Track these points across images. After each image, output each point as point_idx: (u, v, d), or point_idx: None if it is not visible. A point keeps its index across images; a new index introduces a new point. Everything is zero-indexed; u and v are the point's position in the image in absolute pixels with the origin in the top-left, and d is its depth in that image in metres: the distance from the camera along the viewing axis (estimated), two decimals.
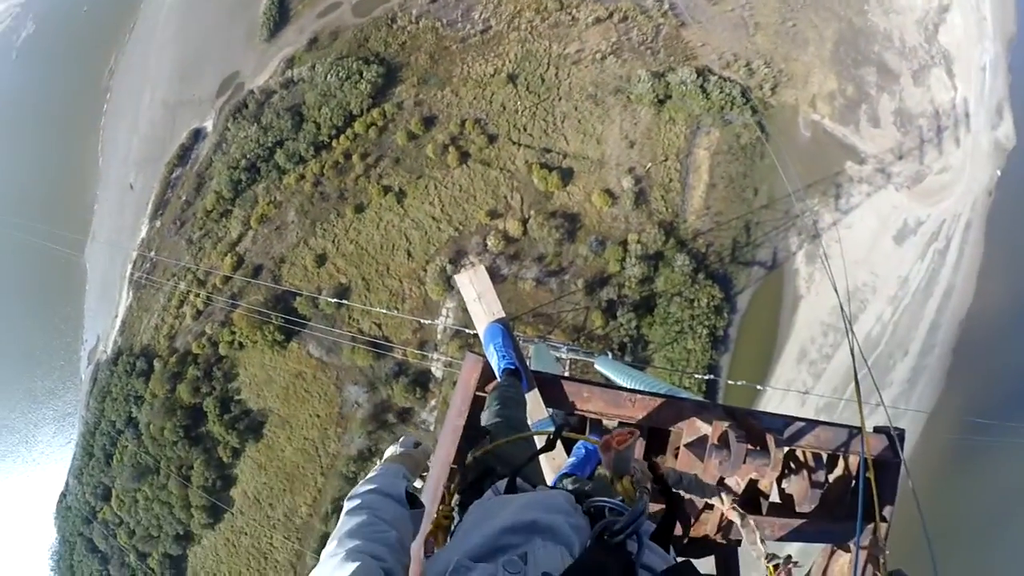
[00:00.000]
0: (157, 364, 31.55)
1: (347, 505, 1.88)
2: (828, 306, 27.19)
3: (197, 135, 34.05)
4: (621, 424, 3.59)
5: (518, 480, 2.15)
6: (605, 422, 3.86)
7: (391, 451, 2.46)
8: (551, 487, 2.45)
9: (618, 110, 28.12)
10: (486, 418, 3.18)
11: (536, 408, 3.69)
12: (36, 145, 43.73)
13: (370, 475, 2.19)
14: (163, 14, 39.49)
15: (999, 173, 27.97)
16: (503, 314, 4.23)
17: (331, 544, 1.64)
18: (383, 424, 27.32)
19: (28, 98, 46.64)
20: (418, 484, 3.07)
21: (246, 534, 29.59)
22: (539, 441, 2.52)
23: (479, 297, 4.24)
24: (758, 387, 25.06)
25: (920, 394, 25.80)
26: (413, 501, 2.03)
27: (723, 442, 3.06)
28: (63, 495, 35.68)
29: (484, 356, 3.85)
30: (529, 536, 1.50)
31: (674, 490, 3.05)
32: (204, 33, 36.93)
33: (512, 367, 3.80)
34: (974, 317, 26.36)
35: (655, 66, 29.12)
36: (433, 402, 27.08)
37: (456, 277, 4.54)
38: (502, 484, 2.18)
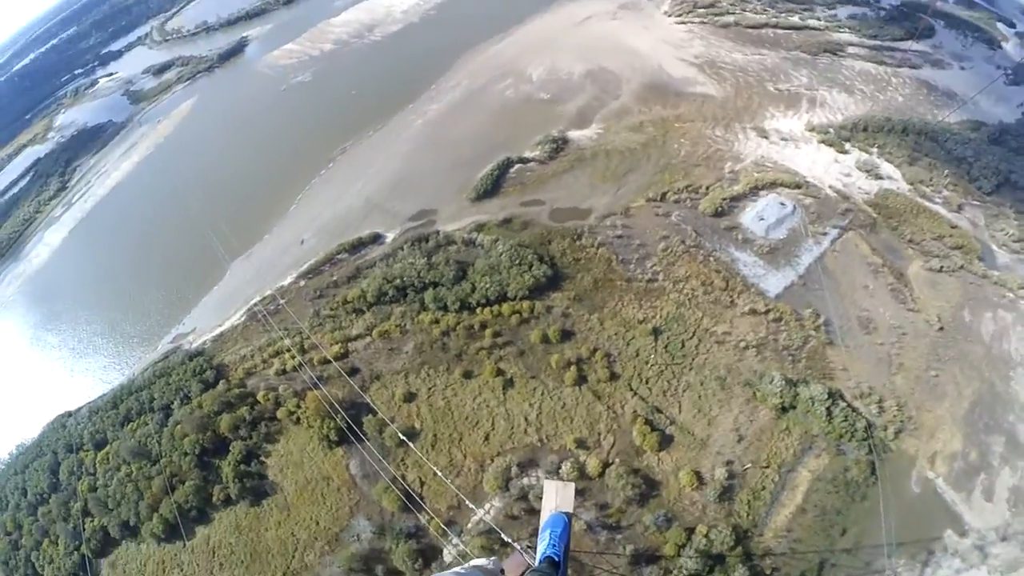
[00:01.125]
0: (222, 384, 33.32)
1: None
2: None
3: (376, 238, 38.69)
4: None
5: None
6: None
7: (481, 562, 2.64)
8: None
9: (740, 401, 27.90)
10: None
11: None
12: (257, 162, 52.06)
13: (455, 570, 2.31)
14: (407, 133, 47.54)
15: None
16: (571, 507, 4.29)
17: None
18: (368, 571, 25.80)
19: (273, 126, 56.64)
20: None
21: (181, 571, 28.26)
22: None
23: (556, 508, 4.31)
24: None
25: None
26: None
27: None
28: (69, 414, 36.98)
29: (530, 564, 3.89)
30: None
31: None
32: (429, 166, 43.51)
33: (556, 559, 3.84)
34: None
35: (791, 373, 29.03)
36: None
37: (546, 481, 4.58)
38: None
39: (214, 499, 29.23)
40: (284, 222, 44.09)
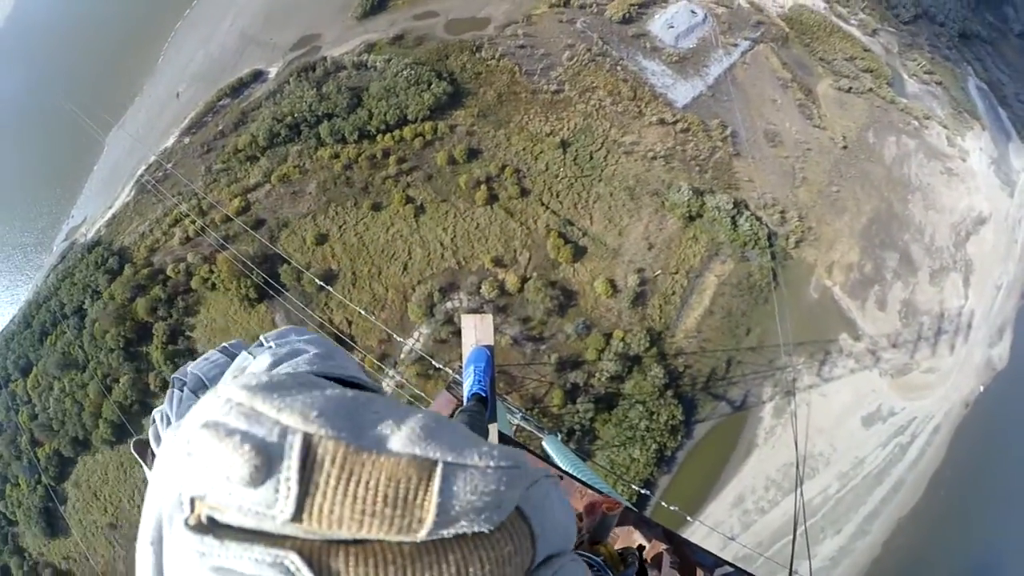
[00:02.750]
0: (128, 269, 30.97)
1: None
2: (779, 463, 27.25)
3: (257, 76, 34.54)
4: None
5: None
6: None
7: None
8: None
9: (649, 211, 28.73)
10: None
11: None
12: (108, 20, 44.21)
13: None
14: None
15: (982, 389, 28.63)
16: (492, 339, 4.28)
17: None
18: None
19: None
20: None
21: (141, 466, 28.80)
22: None
23: (477, 342, 4.26)
24: (688, 517, 24.76)
25: (840, 575, 25.42)
26: None
27: (655, 562, 3.12)
28: None
29: (459, 398, 3.93)
30: None
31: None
32: None
33: (483, 394, 3.86)
34: (914, 517, 26.36)
35: (698, 183, 29.93)
36: None
37: (463, 316, 4.48)
38: None
39: (152, 387, 28.33)
40: (153, 78, 38.64)
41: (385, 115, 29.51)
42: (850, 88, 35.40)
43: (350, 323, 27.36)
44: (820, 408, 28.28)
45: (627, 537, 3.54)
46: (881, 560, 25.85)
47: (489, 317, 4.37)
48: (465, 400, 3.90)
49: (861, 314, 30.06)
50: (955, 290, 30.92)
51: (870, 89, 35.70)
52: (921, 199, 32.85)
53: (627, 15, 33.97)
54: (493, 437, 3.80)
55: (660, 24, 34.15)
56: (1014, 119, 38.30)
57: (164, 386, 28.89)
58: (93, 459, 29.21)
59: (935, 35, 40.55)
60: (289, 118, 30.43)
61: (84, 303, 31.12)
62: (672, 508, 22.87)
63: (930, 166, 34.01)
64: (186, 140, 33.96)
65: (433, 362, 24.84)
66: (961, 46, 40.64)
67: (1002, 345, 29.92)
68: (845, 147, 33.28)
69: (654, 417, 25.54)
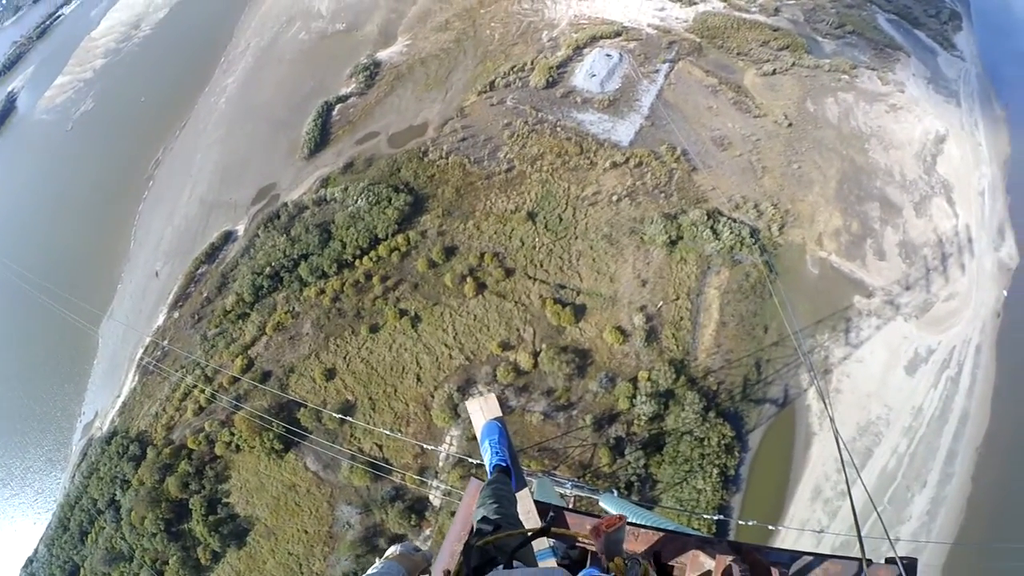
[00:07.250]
0: (150, 452, 30.95)
1: None
2: (842, 441, 26.63)
3: (228, 237, 35.60)
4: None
5: (516, 563, 2.32)
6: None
7: (392, 551, 2.63)
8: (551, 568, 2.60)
9: (632, 250, 29.25)
10: (481, 514, 3.14)
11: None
12: (74, 216, 45.65)
13: (370, 572, 2.34)
14: (214, 118, 42.99)
15: (1005, 293, 28.58)
16: (500, 414, 4.30)
17: None
18: (373, 548, 26.04)
19: (74, 170, 49.46)
20: None
21: None
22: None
23: (486, 420, 4.30)
24: (771, 527, 23.87)
25: (941, 525, 24.26)
26: None
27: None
28: (31, 560, 33.56)
29: (481, 479, 3.90)
30: None
31: None
32: (249, 142, 39.95)
33: (503, 464, 3.89)
34: (991, 440, 25.52)
35: (668, 208, 30.64)
36: (428, 531, 25.99)
37: (467, 403, 4.57)
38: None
39: (203, 562, 28.05)
40: (130, 264, 39.65)
41: (357, 240, 30.35)
42: (774, 70, 36.96)
43: (381, 447, 27.09)
44: (861, 375, 27.96)
45: (694, 562, 3.41)
46: (975, 496, 24.65)
47: (492, 396, 4.46)
48: (489, 474, 3.94)
49: (865, 271, 30.21)
50: (943, 212, 31.24)
51: (793, 64, 37.25)
52: (878, 143, 33.69)
53: (550, 79, 35.76)
54: (525, 505, 3.78)
55: (582, 76, 35.87)
56: (932, 34, 39.91)
57: (215, 558, 28.20)
58: None
59: None
60: (268, 268, 31.17)
61: (115, 494, 31.00)
62: (751, 523, 22.25)
63: (874, 109, 35.05)
64: (175, 315, 34.49)
65: (472, 460, 24.59)
66: None
67: (1007, 244, 30.06)
68: (790, 125, 34.40)
69: (705, 443, 25.13)
